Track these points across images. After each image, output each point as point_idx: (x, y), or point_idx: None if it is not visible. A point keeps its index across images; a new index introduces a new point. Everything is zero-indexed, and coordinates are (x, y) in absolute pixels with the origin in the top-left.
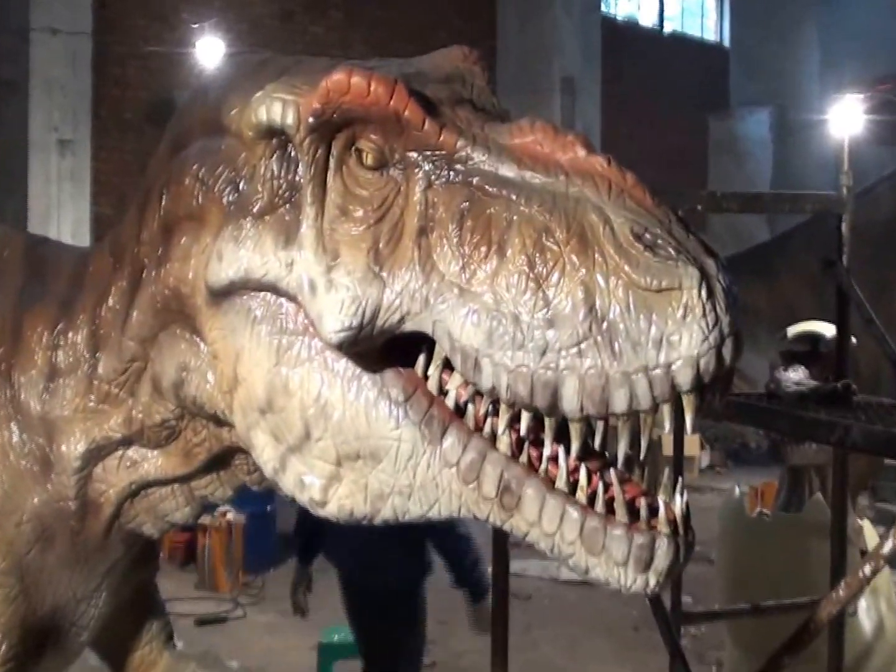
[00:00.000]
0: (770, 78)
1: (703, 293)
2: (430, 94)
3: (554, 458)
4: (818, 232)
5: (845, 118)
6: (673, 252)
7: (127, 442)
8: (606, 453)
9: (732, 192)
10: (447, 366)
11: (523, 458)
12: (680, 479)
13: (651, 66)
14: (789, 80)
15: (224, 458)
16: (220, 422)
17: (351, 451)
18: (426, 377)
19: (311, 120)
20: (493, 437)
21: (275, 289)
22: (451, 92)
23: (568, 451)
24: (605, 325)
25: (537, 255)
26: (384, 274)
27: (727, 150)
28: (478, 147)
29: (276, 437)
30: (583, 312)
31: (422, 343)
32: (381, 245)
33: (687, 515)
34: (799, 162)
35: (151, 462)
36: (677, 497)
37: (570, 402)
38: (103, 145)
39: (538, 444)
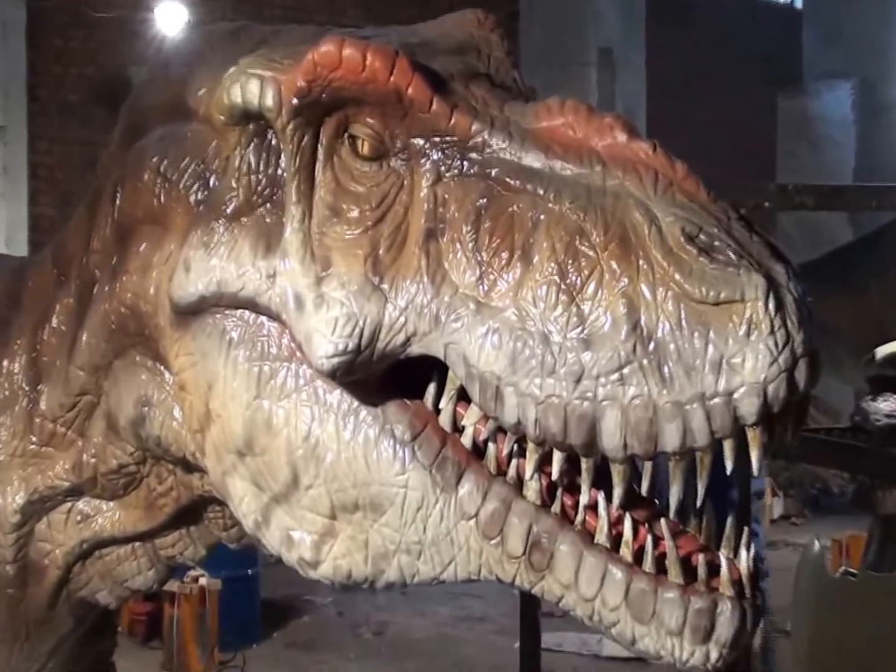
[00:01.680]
0: (852, 46)
1: (771, 305)
2: (438, 69)
3: (592, 507)
4: None
5: None
6: (733, 256)
7: (76, 492)
8: (656, 500)
9: (807, 185)
10: (462, 397)
11: (556, 507)
12: (746, 529)
13: (706, 34)
14: (876, 49)
15: (195, 510)
16: (189, 466)
17: (348, 501)
18: (437, 410)
19: (294, 101)
20: (520, 482)
21: (254, 305)
22: (463, 65)
23: (609, 499)
24: (652, 345)
25: (569, 261)
26: (385, 286)
27: (800, 134)
28: (497, 132)
29: (257, 485)
30: (625, 330)
31: (431, 370)
32: (381, 251)
33: (755, 574)
34: (888, 148)
35: (107, 516)
36: (743, 552)
37: (611, 439)
38: (42, 133)
39: (573, 490)
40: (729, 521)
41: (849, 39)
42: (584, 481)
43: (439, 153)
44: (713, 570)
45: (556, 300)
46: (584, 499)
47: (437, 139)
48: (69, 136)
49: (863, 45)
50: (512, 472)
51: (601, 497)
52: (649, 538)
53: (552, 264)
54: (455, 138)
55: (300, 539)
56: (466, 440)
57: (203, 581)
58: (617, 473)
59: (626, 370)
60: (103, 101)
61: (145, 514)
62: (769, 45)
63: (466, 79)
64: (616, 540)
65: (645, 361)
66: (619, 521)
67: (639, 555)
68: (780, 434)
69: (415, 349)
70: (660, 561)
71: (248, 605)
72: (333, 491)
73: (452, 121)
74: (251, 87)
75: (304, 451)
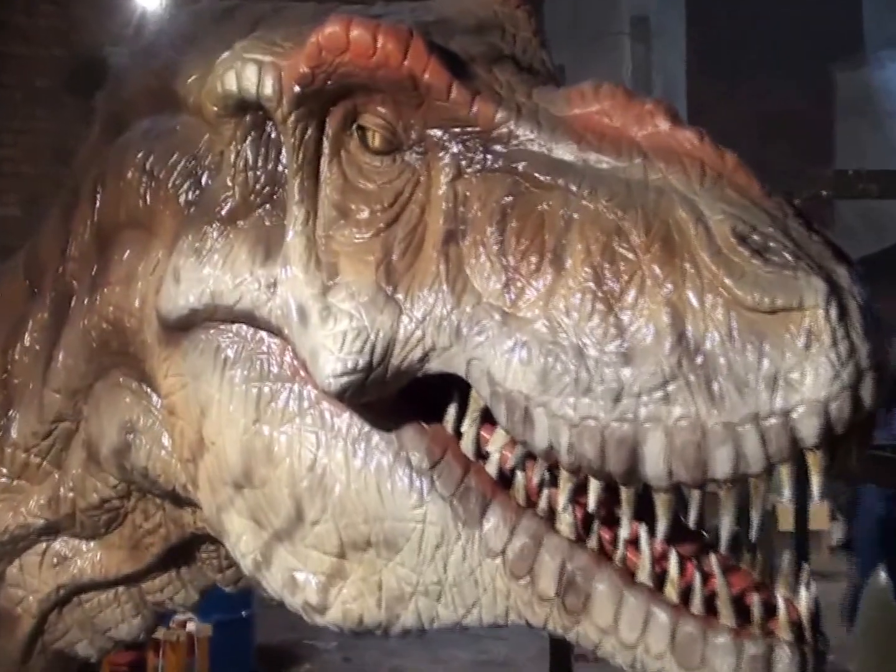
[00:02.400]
0: None
1: (833, 313)
2: (457, 51)
3: (633, 542)
4: None
5: None
6: (790, 258)
7: (53, 530)
8: (704, 532)
9: (870, 171)
10: (486, 419)
11: (592, 542)
12: (804, 565)
13: (753, 2)
14: None
15: (186, 549)
16: (180, 501)
17: (359, 538)
18: (458, 434)
19: (297, 89)
20: (551, 515)
21: (252, 319)
22: (486, 46)
23: (652, 532)
24: (699, 359)
25: (607, 265)
26: (400, 296)
27: (860, 112)
28: (524, 121)
29: (257, 521)
30: (669, 343)
31: (451, 389)
32: (394, 256)
33: (816, 614)
34: None
35: (87, 558)
36: (802, 591)
37: (654, 466)
38: (7, 125)
39: (610, 522)
40: (786, 555)
41: None
42: (624, 513)
43: (459, 145)
44: (769, 610)
45: (591, 309)
46: (623, 532)
47: (456, 130)
48: (37, 126)
49: None
50: (543, 503)
51: (643, 530)
52: (697, 575)
53: (587, 269)
54: (477, 129)
55: (305, 581)
56: (491, 468)
57: (191, 626)
58: (661, 503)
59: (670, 387)
60: (75, 87)
61: (130, 554)
62: (824, 11)
63: (489, 62)
64: (660, 578)
65: (692, 377)
66: (664, 556)
67: (686, 594)
68: (843, 457)
69: (433, 366)
70: (709, 601)
71: (242, 652)
72: (342, 526)
73: (474, 109)
74: (248, 73)
75: (310, 481)
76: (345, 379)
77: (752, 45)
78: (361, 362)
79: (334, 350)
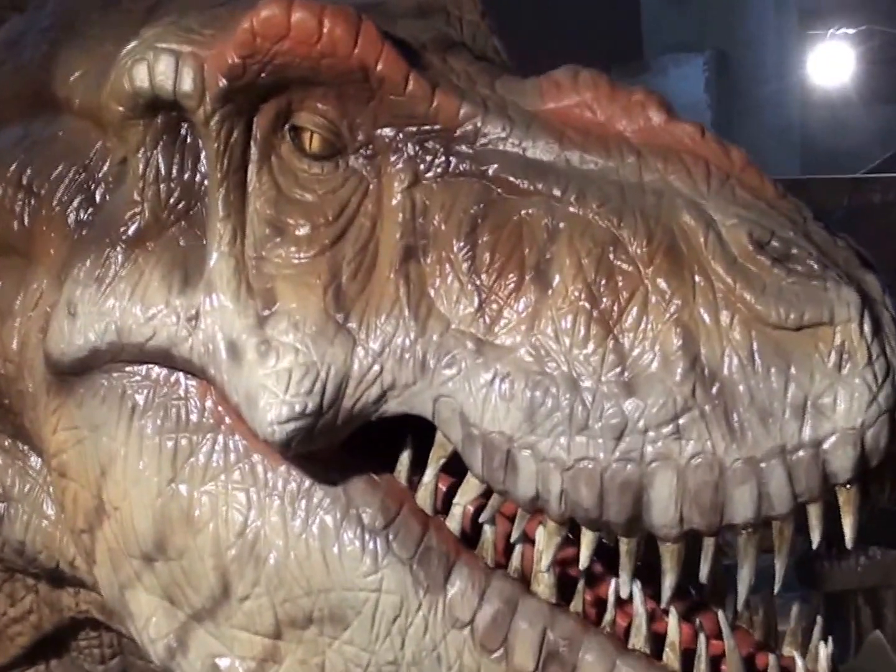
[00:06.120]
0: (700, 14)
1: (867, 328)
2: (405, 37)
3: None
4: None
5: None
6: (816, 266)
7: None
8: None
9: None
10: (449, 465)
11: (576, 604)
12: (819, 619)
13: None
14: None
15: (59, 638)
16: (60, 581)
17: (299, 614)
18: (411, 483)
19: (223, 83)
20: (524, 574)
21: (168, 358)
22: (434, 32)
23: (656, 591)
24: (716, 386)
25: (602, 281)
26: (352, 324)
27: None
28: (492, 116)
29: (171, 599)
30: (680, 369)
31: (401, 430)
32: (344, 279)
33: None
34: (750, 131)
35: None
36: (821, 648)
37: (663, 512)
38: None
39: (595, 578)
40: (794, 609)
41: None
42: (624, 568)
43: (416, 147)
44: None
45: (586, 333)
46: (624, 591)
47: (412, 129)
48: None
49: (711, 13)
50: (515, 562)
51: (636, 588)
52: (702, 637)
53: (578, 285)
54: (437, 127)
55: (231, 668)
56: (454, 523)
57: None
58: (668, 555)
59: (682, 420)
60: None
61: None
62: (601, 16)
63: (442, 49)
64: (658, 641)
65: (707, 408)
66: (655, 615)
67: (688, 660)
68: (876, 494)
69: (392, 406)
70: (713, 664)
71: None
72: (279, 602)
73: (434, 103)
74: (162, 66)
75: (239, 550)
76: (292, 425)
77: (530, 48)
78: (311, 405)
79: (278, 392)
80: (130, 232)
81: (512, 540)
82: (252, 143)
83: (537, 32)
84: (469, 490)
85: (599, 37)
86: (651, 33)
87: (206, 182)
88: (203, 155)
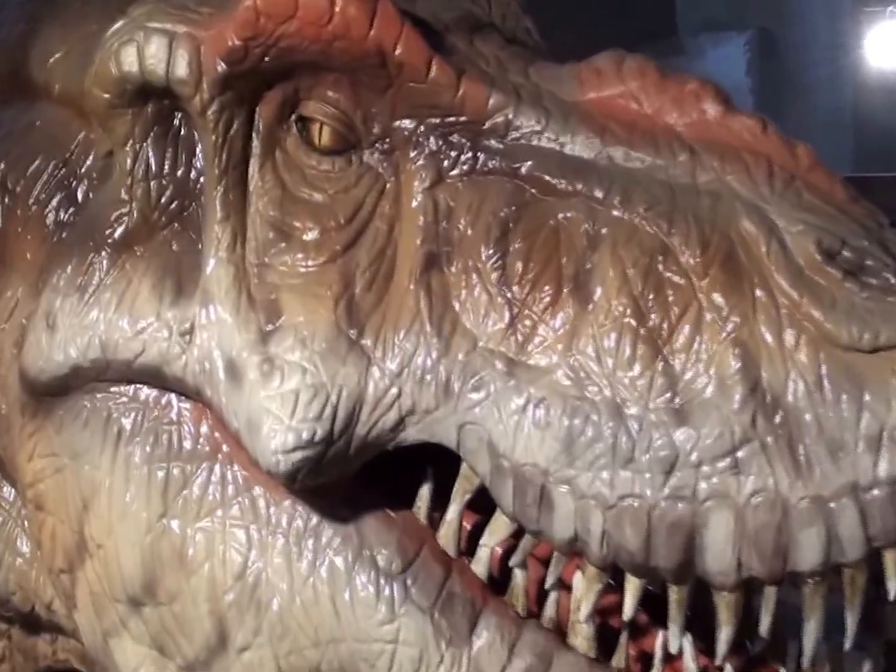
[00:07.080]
0: None
1: None
2: (426, 17)
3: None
4: None
5: None
6: (893, 280)
7: None
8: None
9: None
10: (475, 501)
11: (619, 659)
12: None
13: None
14: None
15: None
16: (36, 626)
17: (304, 667)
18: (432, 521)
19: (222, 68)
20: (559, 625)
21: (159, 377)
22: (459, 11)
23: (708, 644)
24: (779, 415)
25: (650, 295)
26: (367, 341)
27: None
28: (526, 107)
29: (161, 649)
30: (740, 395)
31: (421, 462)
32: (357, 290)
33: None
34: (800, 117)
35: None
36: None
37: (719, 558)
38: None
39: (639, 630)
40: (866, 668)
41: None
42: (674, 620)
43: (439, 141)
44: None
45: (631, 353)
46: (674, 646)
47: (435, 120)
48: None
49: None
50: (549, 611)
51: (686, 641)
52: None
53: (623, 300)
54: (463, 118)
55: None
56: (480, 567)
57: None
58: (724, 606)
59: (741, 453)
60: None
61: None
62: None
63: (468, 31)
64: None
65: (769, 439)
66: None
67: None
68: None
69: (411, 434)
70: None
71: None
72: (283, 653)
73: (460, 92)
74: (154, 48)
75: (238, 594)
76: (298, 455)
77: (560, 33)
78: (320, 432)
79: (284, 417)
80: (117, 235)
81: (546, 586)
82: (254, 135)
83: (555, 8)
84: (498, 529)
85: (627, 12)
86: (686, 9)
87: (202, 179)
88: (199, 149)
